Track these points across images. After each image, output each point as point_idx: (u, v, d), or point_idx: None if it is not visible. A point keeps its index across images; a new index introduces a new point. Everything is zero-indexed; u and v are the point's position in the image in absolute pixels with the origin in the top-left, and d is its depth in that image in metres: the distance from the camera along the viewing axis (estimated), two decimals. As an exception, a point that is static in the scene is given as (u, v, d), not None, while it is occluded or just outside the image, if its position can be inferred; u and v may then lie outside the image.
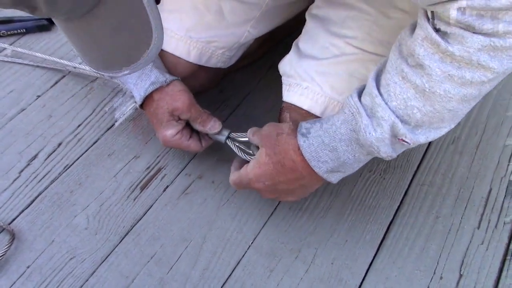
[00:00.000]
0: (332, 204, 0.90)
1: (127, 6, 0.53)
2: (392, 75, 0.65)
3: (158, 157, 0.96)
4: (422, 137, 0.67)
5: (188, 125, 0.88)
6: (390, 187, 0.93)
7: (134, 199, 0.90)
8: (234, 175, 0.82)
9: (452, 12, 0.57)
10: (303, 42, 0.87)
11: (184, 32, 0.90)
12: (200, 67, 0.95)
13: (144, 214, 0.88)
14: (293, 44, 0.89)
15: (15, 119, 1.01)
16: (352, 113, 0.69)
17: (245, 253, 0.84)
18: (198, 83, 0.99)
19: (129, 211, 0.88)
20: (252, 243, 0.85)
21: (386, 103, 0.66)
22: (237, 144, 0.85)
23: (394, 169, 0.96)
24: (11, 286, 0.79)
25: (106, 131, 1.00)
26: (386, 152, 0.68)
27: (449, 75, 0.61)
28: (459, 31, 0.58)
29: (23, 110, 1.03)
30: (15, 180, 0.92)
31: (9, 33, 1.17)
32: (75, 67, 1.07)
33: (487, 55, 0.58)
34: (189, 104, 0.85)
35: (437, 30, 0.60)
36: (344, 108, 0.70)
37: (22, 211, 0.88)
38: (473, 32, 0.58)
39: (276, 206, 0.89)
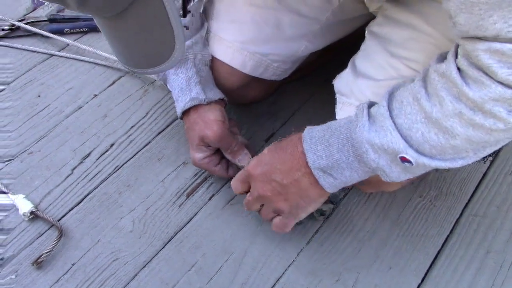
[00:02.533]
0: (378, 228, 0.88)
1: (152, 16, 0.55)
2: (408, 94, 0.64)
3: (206, 165, 0.96)
4: (426, 160, 0.64)
5: (218, 151, 0.88)
6: (440, 215, 0.90)
7: (180, 206, 0.91)
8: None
9: (480, 52, 0.55)
10: (360, 59, 0.85)
11: (241, 44, 0.90)
12: (254, 79, 0.95)
13: (188, 222, 0.89)
14: (350, 61, 0.87)
15: (71, 117, 1.04)
16: (356, 115, 0.68)
17: (285, 271, 0.83)
18: (251, 94, 0.99)
19: (173, 217, 0.89)
20: (293, 261, 0.84)
21: (391, 116, 0.65)
22: None
23: (446, 196, 0.93)
24: (56, 282, 0.82)
25: (157, 135, 1.01)
26: (376, 161, 0.66)
27: (460, 112, 0.59)
28: (480, 75, 0.56)
29: (80, 108, 1.06)
30: (67, 177, 0.94)
31: (72, 31, 1.20)
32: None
33: (503, 107, 0.57)
34: (220, 136, 0.84)
35: (459, 69, 0.59)
36: (354, 112, 0.70)
37: (72, 208, 0.90)
38: (495, 79, 0.55)
39: (321, 225, 0.88)
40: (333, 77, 0.87)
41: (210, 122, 0.85)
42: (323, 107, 0.99)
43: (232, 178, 0.83)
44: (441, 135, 0.62)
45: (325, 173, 0.72)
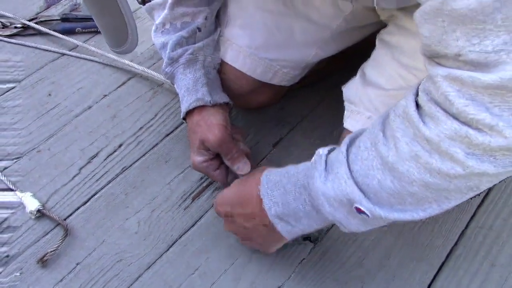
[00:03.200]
0: (383, 238, 0.88)
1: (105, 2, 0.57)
2: (366, 139, 0.61)
3: (213, 168, 0.96)
4: (383, 212, 0.60)
5: (218, 156, 0.87)
6: (446, 226, 0.90)
7: (185, 209, 0.91)
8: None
9: (440, 78, 0.52)
10: (370, 68, 0.85)
11: (252, 49, 0.90)
12: (263, 84, 0.95)
13: (193, 225, 0.89)
14: (360, 68, 0.87)
15: (81, 116, 1.05)
16: (315, 162, 0.65)
17: (288, 278, 0.83)
18: (260, 98, 0.99)
19: (179, 220, 0.89)
20: (296, 268, 0.84)
21: (348, 164, 0.61)
22: None
23: (452, 208, 0.92)
24: (60, 281, 0.82)
25: (165, 137, 1.02)
26: (332, 214, 0.64)
27: (416, 155, 0.55)
28: (437, 110, 0.52)
29: (90, 108, 1.06)
30: (74, 176, 0.95)
31: (84, 30, 1.21)
32: (143, 70, 1.09)
33: (460, 148, 0.52)
34: (221, 140, 0.83)
35: (418, 106, 0.55)
36: (313, 157, 0.67)
37: (78, 208, 0.91)
38: (450, 114, 0.51)
39: (326, 232, 0.88)
40: (343, 83, 0.87)
41: (212, 126, 0.84)
42: (332, 114, 1.00)
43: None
44: (397, 182, 0.58)
45: (282, 220, 0.69)
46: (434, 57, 0.54)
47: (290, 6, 0.90)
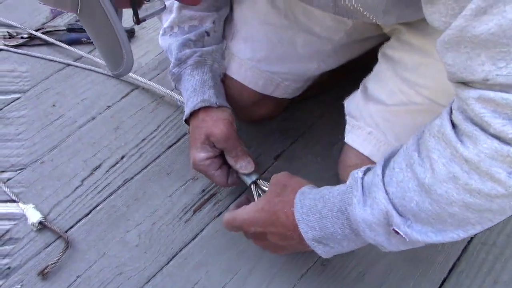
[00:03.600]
0: (384, 254, 0.86)
1: (99, 23, 0.56)
2: (401, 160, 0.60)
3: (214, 181, 0.96)
4: (421, 236, 0.59)
5: (221, 156, 0.86)
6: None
7: (186, 222, 0.91)
8: (229, 214, 0.77)
9: (472, 101, 0.51)
10: (372, 82, 0.85)
11: (254, 62, 0.90)
12: (265, 96, 0.95)
13: (194, 238, 0.89)
14: (361, 83, 0.87)
15: (84, 127, 1.05)
16: (351, 186, 0.64)
17: (288, 293, 0.83)
18: (262, 111, 0.99)
19: (179, 233, 0.89)
20: (297, 283, 0.84)
21: (384, 186, 0.60)
22: (260, 192, 0.83)
23: (455, 223, 0.91)
24: (61, 293, 0.82)
25: (168, 148, 1.02)
26: (373, 238, 0.63)
27: (454, 176, 0.54)
28: (474, 129, 0.51)
29: (93, 119, 1.07)
30: (77, 188, 0.95)
31: (90, 41, 1.22)
32: (145, 83, 1.09)
33: (502, 168, 0.50)
34: (227, 135, 0.82)
35: (454, 125, 0.54)
36: (348, 180, 0.66)
37: (80, 220, 0.91)
38: (489, 133, 0.50)
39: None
40: (346, 96, 0.87)
41: (219, 120, 0.83)
42: (335, 126, 0.99)
43: (236, 198, 0.82)
44: (436, 204, 0.56)
45: (320, 243, 0.68)
46: (461, 82, 0.54)
47: (293, 19, 0.90)
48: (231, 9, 0.93)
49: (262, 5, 0.90)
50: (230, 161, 0.85)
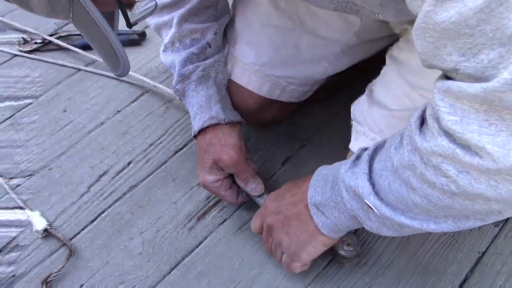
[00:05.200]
0: (393, 263, 0.84)
1: (90, 28, 0.55)
2: (389, 143, 0.61)
3: (220, 187, 0.95)
4: (388, 212, 0.59)
5: (230, 175, 0.86)
6: (462, 252, 0.85)
7: (190, 229, 0.90)
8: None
9: (435, 91, 0.49)
10: (377, 86, 0.81)
11: (258, 66, 0.88)
12: (272, 101, 0.92)
13: (197, 246, 0.87)
14: (368, 86, 0.83)
15: (93, 133, 1.05)
16: (353, 156, 0.67)
17: (291, 304, 0.81)
18: (269, 115, 0.97)
19: (183, 241, 0.88)
20: (300, 294, 0.81)
21: (370, 161, 0.63)
22: None
23: (470, 232, 0.87)
24: (63, 302, 0.83)
25: (174, 154, 1.01)
26: (350, 203, 0.64)
27: (413, 164, 0.54)
28: (432, 123, 0.50)
29: (102, 124, 1.07)
30: (83, 194, 0.95)
31: (101, 45, 1.22)
32: (155, 86, 1.08)
33: (452, 165, 0.49)
34: (236, 161, 0.82)
35: (423, 118, 0.54)
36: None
37: (85, 227, 0.91)
38: (442, 130, 0.49)
39: (332, 258, 0.84)
40: (356, 98, 0.84)
41: (227, 146, 0.83)
42: (344, 130, 0.96)
43: (241, 205, 0.81)
44: (404, 187, 0.57)
45: (319, 210, 0.70)
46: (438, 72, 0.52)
47: (297, 21, 0.87)
48: (233, 13, 0.91)
49: (264, 7, 0.87)
50: (240, 183, 0.86)
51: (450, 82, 0.47)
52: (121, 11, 0.57)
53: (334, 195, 0.67)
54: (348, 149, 0.83)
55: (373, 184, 0.61)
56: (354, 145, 0.79)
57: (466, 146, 0.47)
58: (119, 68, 0.61)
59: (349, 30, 0.88)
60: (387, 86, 0.79)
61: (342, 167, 0.66)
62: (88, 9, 0.53)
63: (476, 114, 0.46)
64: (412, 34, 0.50)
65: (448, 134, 0.48)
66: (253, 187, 0.85)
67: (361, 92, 0.84)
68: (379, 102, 0.78)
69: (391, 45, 0.84)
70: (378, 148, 0.64)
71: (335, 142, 0.99)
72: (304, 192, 0.72)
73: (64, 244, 0.88)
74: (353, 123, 0.82)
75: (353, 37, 0.89)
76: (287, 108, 0.97)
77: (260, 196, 0.85)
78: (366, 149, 0.66)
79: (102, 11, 0.53)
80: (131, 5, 0.59)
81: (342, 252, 0.81)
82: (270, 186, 0.86)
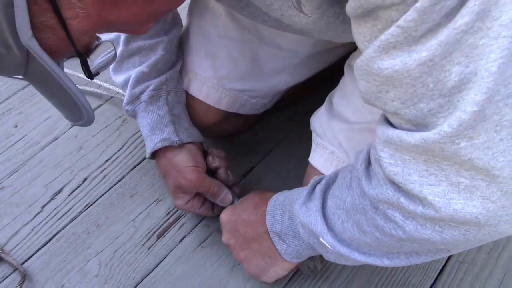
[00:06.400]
0: (356, 277, 0.83)
1: (49, 83, 0.50)
2: (341, 181, 0.60)
3: (179, 203, 0.92)
4: (343, 250, 0.59)
5: (199, 194, 0.84)
6: (424, 262, 0.84)
7: (149, 248, 0.87)
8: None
9: (376, 140, 0.50)
10: (337, 97, 0.80)
11: (216, 80, 0.85)
12: (232, 113, 0.90)
13: (156, 266, 0.85)
14: (328, 97, 0.82)
15: (46, 149, 1.01)
16: (307, 188, 0.66)
17: (253, 323, 0.79)
18: (230, 128, 0.95)
19: (141, 261, 0.85)
20: (263, 312, 0.80)
21: (323, 197, 0.62)
22: None
23: (432, 241, 0.86)
24: (15, 331, 0.79)
25: (132, 169, 0.98)
26: (307, 238, 0.64)
27: (363, 209, 0.54)
28: (377, 169, 0.51)
29: (56, 139, 1.03)
30: (36, 215, 0.91)
31: (54, 56, 1.17)
32: (117, 92, 1.04)
33: (397, 211, 0.50)
34: (195, 183, 0.80)
35: (368, 161, 0.54)
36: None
37: (38, 249, 0.87)
38: (387, 179, 0.49)
39: (293, 275, 0.83)
40: (319, 106, 0.82)
41: (183, 170, 0.80)
42: (307, 138, 0.94)
43: (201, 220, 0.80)
44: (356, 228, 0.57)
45: (280, 238, 0.69)
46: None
47: (255, 33, 0.85)
48: (189, 22, 0.88)
49: (222, 19, 0.85)
50: (209, 198, 0.84)
51: (390, 131, 0.47)
52: (80, 61, 0.53)
53: (292, 224, 0.67)
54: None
55: (326, 221, 0.60)
56: (314, 158, 0.78)
57: (410, 195, 0.48)
58: (82, 119, 0.57)
59: (307, 40, 0.86)
60: (346, 97, 0.77)
61: (296, 201, 0.65)
62: (45, 64, 0.48)
63: (417, 165, 0.46)
64: (354, 71, 0.49)
65: (392, 183, 0.49)
66: (221, 199, 0.83)
67: (320, 101, 0.82)
68: (338, 114, 0.77)
69: (353, 50, 0.83)
70: (330, 183, 0.63)
71: (297, 152, 0.97)
72: (262, 215, 0.72)
73: (16, 269, 0.84)
74: (313, 135, 0.81)
75: (312, 47, 0.87)
76: (248, 120, 0.95)
77: (231, 204, 0.83)
78: (320, 180, 0.65)
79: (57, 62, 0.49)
80: (87, 53, 0.54)
81: (307, 264, 0.80)
82: (242, 189, 0.87)
